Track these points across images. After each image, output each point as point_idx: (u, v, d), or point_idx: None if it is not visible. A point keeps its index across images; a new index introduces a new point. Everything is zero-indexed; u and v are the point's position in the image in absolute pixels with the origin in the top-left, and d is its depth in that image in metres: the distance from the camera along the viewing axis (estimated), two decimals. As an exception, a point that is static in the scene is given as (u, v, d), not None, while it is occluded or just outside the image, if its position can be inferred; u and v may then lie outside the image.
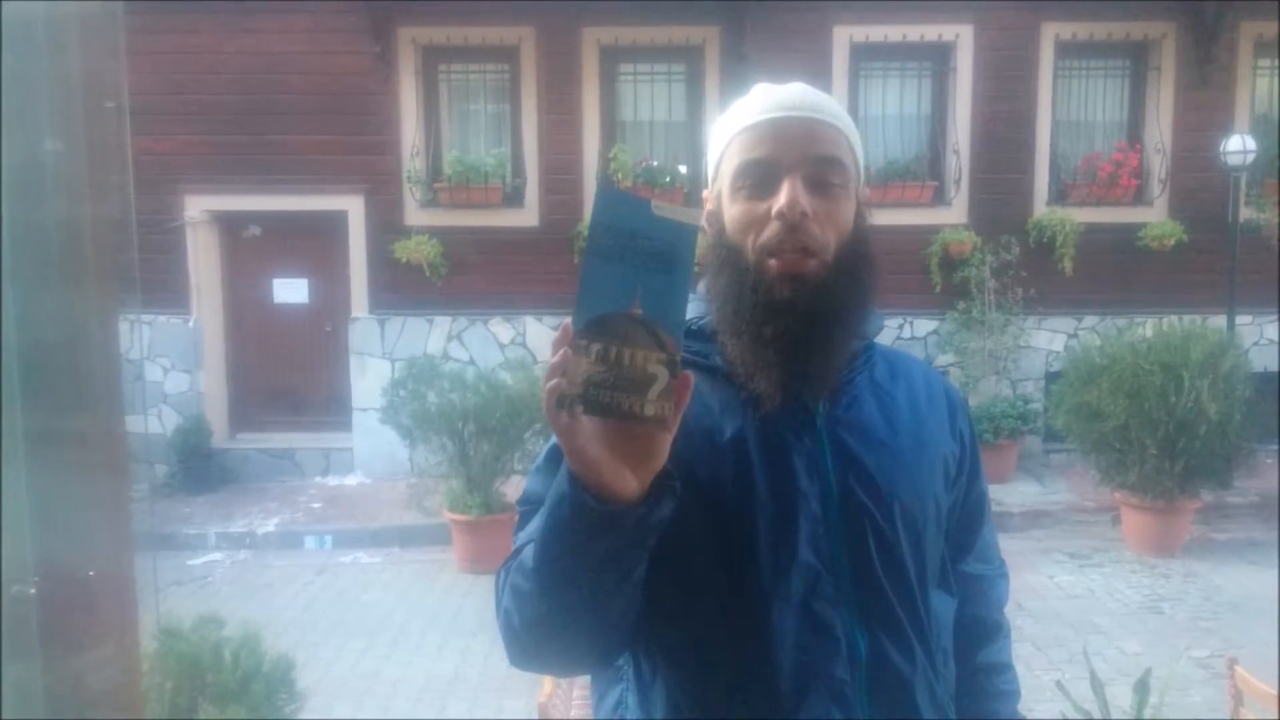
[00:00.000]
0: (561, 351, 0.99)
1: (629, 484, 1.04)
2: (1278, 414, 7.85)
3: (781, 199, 1.23)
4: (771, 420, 1.27)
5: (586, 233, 1.02)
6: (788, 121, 1.27)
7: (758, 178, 1.26)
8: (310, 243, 9.69)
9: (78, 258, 0.97)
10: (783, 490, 1.25)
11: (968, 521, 1.47)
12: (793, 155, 1.25)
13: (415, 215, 9.41)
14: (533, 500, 1.28)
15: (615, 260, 1.00)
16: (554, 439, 1.26)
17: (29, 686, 0.90)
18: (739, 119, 1.31)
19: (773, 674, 1.23)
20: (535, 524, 1.18)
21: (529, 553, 1.16)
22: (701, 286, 1.34)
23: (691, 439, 1.21)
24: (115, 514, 1.03)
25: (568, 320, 1.00)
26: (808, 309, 1.24)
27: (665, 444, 1.04)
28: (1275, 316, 9.42)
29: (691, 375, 1.03)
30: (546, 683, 3.06)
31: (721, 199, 1.32)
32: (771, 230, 1.24)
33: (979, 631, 1.48)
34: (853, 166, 1.30)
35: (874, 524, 1.27)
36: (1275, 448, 8.60)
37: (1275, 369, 9.16)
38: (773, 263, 1.25)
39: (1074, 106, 9.80)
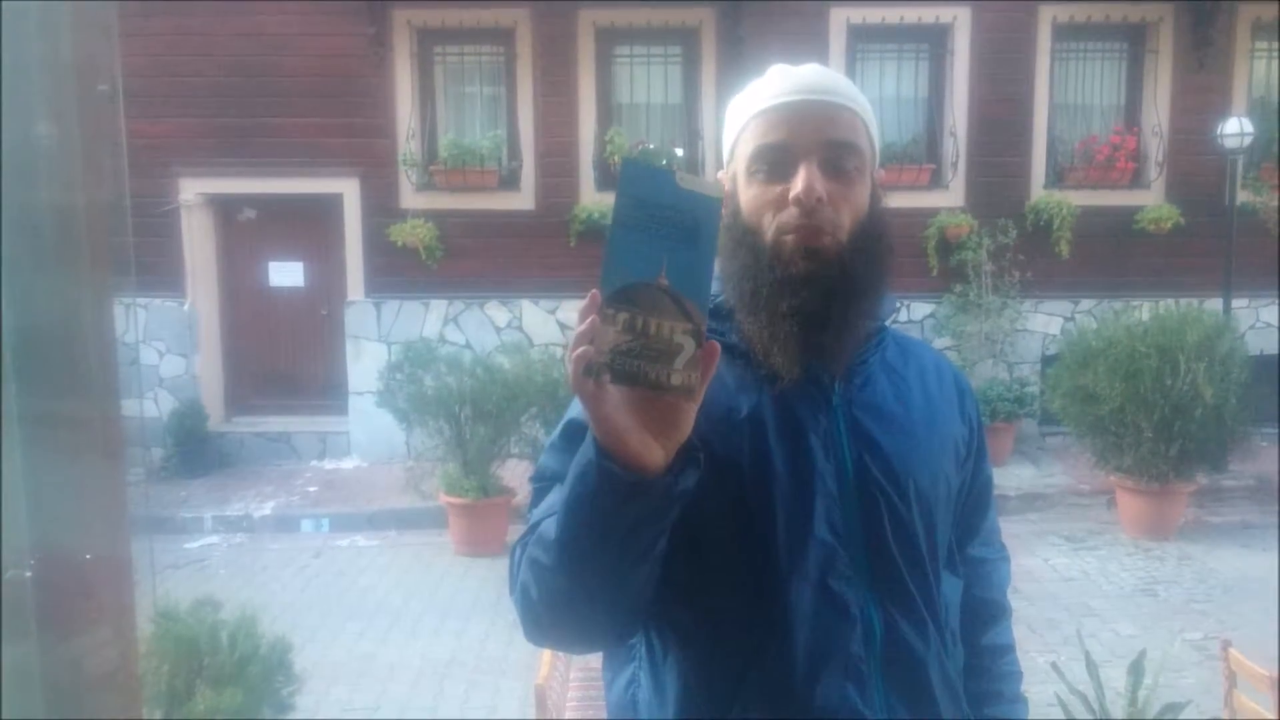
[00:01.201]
0: (589, 320, 0.99)
1: (655, 453, 1.05)
2: (1274, 397, 7.87)
3: (798, 185, 1.23)
4: (788, 398, 1.28)
5: (613, 205, 1.02)
6: (803, 105, 1.27)
7: (773, 162, 1.27)
8: (305, 226, 9.66)
9: (71, 242, 0.96)
10: (799, 468, 1.26)
11: (974, 505, 1.48)
12: (808, 140, 1.25)
13: (411, 198, 9.37)
14: (548, 476, 1.27)
15: (641, 231, 1.00)
16: (568, 416, 1.26)
17: (26, 670, 0.90)
18: (755, 102, 1.31)
19: (788, 651, 1.24)
20: (556, 496, 1.18)
21: (549, 526, 1.15)
22: (717, 266, 1.34)
23: (709, 416, 1.21)
24: (111, 498, 1.03)
25: (595, 290, 0.99)
26: (824, 283, 1.24)
27: (691, 414, 1.05)
28: (1271, 299, 9.42)
29: (718, 345, 1.04)
30: (543, 665, 3.07)
31: (737, 181, 1.32)
32: (787, 214, 1.25)
33: (984, 613, 1.50)
34: (868, 149, 1.31)
35: (889, 503, 1.28)
36: (1271, 431, 8.61)
37: (1271, 352, 9.15)
38: (790, 238, 1.25)
39: (1071, 89, 9.77)
